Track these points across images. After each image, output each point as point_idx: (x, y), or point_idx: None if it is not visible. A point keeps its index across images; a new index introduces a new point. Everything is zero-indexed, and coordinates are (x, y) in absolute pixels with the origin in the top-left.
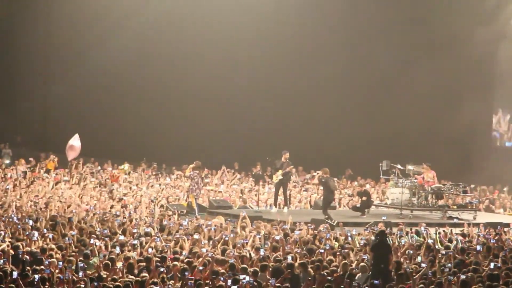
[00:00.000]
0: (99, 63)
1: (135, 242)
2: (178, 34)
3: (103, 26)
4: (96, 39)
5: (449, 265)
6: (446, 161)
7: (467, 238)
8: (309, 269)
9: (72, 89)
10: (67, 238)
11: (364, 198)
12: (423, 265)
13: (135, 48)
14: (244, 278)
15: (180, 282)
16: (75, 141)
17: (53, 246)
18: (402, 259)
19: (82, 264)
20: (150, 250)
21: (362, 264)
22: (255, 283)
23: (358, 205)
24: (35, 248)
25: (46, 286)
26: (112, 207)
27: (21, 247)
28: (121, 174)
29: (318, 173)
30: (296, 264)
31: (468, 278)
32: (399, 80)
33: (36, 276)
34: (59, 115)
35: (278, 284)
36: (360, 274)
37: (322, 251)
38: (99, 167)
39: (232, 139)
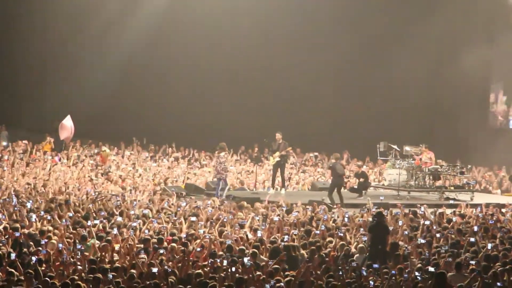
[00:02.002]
0: (101, 42)
1: (135, 224)
2: (183, 18)
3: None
4: (101, 17)
5: (446, 247)
6: (441, 142)
7: (464, 219)
8: (306, 250)
9: (71, 68)
10: (64, 220)
11: (361, 180)
12: (423, 243)
13: (140, 27)
14: (242, 260)
15: (178, 264)
16: (67, 121)
17: (51, 228)
18: (400, 240)
19: (79, 246)
20: (146, 231)
21: (360, 245)
22: (254, 264)
23: (355, 187)
24: (33, 230)
25: (44, 268)
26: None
27: (19, 229)
28: (108, 156)
29: (315, 154)
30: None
31: (465, 260)
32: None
33: (34, 258)
34: (58, 96)
35: (276, 266)
36: (358, 255)
37: (318, 232)
38: (96, 150)
39: (227, 121)
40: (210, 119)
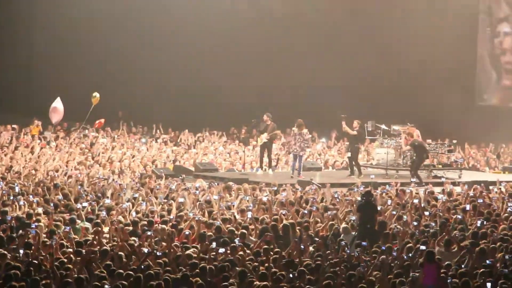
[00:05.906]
0: (87, 23)
1: (125, 205)
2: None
3: None
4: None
5: (433, 224)
6: (427, 120)
7: (452, 197)
8: (296, 230)
9: (56, 49)
10: (51, 204)
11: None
12: (414, 223)
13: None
14: (232, 241)
15: (167, 246)
16: (58, 104)
17: (39, 211)
18: (388, 219)
19: (68, 229)
20: (134, 214)
21: (344, 225)
22: (242, 245)
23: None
24: (21, 214)
25: (33, 250)
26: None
27: (8, 212)
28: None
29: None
30: (282, 226)
31: (454, 237)
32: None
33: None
34: (43, 78)
35: (265, 246)
36: (343, 235)
37: (306, 212)
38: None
39: (216, 101)
40: (198, 100)
